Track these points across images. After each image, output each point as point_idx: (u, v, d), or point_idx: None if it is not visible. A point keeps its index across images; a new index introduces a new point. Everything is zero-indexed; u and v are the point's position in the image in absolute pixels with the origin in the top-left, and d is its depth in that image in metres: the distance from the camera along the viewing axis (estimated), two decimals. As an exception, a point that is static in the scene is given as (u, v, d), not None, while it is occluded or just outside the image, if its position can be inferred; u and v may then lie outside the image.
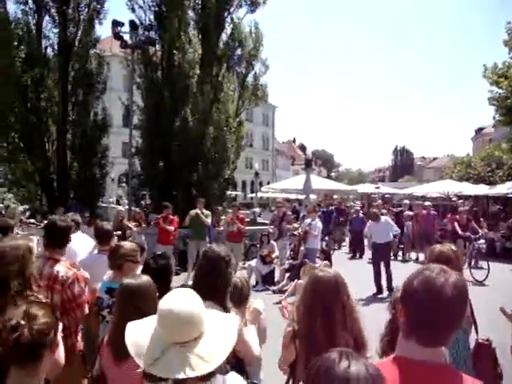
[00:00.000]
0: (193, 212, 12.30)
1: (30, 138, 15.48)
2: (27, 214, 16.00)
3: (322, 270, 2.99)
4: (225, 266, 3.34)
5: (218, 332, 1.91)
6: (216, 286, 3.20)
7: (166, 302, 1.84)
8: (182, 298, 1.87)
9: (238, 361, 3.14)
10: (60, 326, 1.99)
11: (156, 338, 1.84)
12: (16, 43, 14.99)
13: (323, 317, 2.73)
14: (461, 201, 25.63)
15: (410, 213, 17.78)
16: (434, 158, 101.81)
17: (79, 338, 4.08)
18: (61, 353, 2.01)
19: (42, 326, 1.83)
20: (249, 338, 3.25)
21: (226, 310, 3.15)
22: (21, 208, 10.75)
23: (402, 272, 1.83)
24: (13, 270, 3.07)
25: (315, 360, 1.42)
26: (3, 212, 12.30)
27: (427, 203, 17.94)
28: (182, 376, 1.75)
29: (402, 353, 1.73)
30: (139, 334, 1.90)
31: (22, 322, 1.80)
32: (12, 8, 15.72)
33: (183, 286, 10.84)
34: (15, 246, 3.25)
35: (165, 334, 1.81)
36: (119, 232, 9.80)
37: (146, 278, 2.94)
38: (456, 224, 14.46)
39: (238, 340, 2.66)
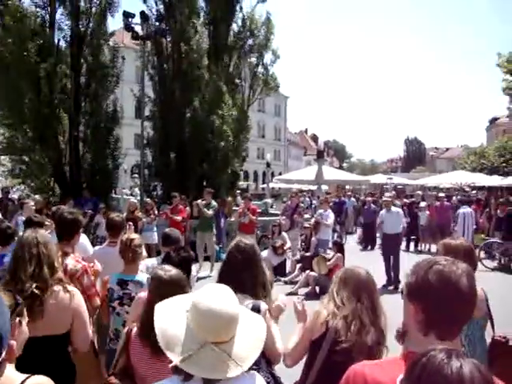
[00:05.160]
0: (194, 203, 12.30)
1: (43, 129, 15.53)
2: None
3: (357, 266, 3.17)
4: (259, 258, 3.39)
5: (248, 332, 1.90)
6: (255, 281, 3.23)
7: (206, 300, 1.81)
8: (221, 297, 1.84)
9: (266, 359, 3.10)
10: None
11: (190, 332, 1.80)
12: (29, 36, 15.01)
13: (367, 300, 2.95)
14: (474, 191, 25.41)
15: (424, 204, 17.61)
16: (447, 149, 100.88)
17: (91, 329, 4.11)
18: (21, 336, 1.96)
19: None
20: (275, 333, 3.21)
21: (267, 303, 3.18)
22: (38, 197, 10.71)
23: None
24: (55, 256, 3.25)
25: (417, 357, 1.34)
26: (16, 202, 12.40)
27: (441, 194, 17.79)
28: (213, 377, 1.76)
29: (419, 348, 1.62)
30: (169, 323, 1.86)
31: None
32: (26, 0, 15.75)
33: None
34: (48, 236, 3.43)
35: (201, 332, 1.78)
36: (131, 223, 9.81)
37: (178, 270, 2.91)
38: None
39: (267, 334, 2.68)
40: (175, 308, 1.92)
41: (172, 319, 1.87)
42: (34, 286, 2.97)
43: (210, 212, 12.02)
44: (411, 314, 1.71)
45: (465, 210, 13.42)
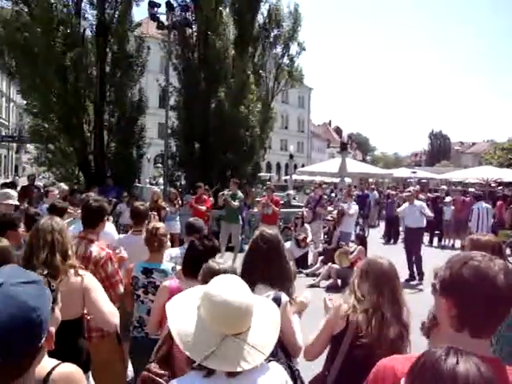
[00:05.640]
0: (221, 193, 12.29)
1: (69, 118, 15.68)
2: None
3: (379, 256, 3.09)
4: (283, 249, 3.36)
5: (263, 318, 1.89)
6: (278, 271, 3.20)
7: (220, 293, 1.79)
8: (235, 288, 1.83)
9: (285, 350, 3.07)
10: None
11: (206, 328, 1.78)
12: (56, 25, 15.12)
13: (389, 293, 2.86)
14: (500, 187, 24.97)
15: (449, 198, 17.36)
16: (473, 143, 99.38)
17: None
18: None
19: None
20: (296, 325, 3.19)
21: (289, 294, 3.16)
22: (64, 186, 10.81)
23: (439, 259, 1.74)
24: (69, 243, 3.26)
25: (419, 355, 1.36)
26: (41, 190, 12.59)
27: (471, 189, 17.56)
28: (240, 369, 1.73)
29: (449, 344, 1.65)
30: (183, 323, 1.83)
31: None
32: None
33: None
34: (63, 223, 3.46)
35: (217, 326, 1.77)
36: (155, 212, 9.85)
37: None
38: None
39: (286, 326, 2.63)
40: (186, 306, 1.90)
41: (186, 318, 1.84)
42: (45, 272, 2.98)
43: (236, 203, 11.95)
44: (443, 308, 1.67)
45: (480, 205, 13.06)
